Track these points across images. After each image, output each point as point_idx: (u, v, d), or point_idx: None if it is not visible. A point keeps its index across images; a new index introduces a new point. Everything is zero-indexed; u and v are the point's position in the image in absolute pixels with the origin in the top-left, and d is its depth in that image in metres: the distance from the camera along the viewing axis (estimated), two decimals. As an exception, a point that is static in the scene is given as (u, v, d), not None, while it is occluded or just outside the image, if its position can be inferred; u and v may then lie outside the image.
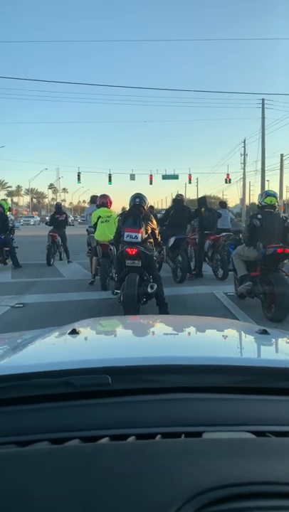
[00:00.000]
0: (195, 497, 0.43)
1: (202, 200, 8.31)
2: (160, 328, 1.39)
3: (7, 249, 8.91)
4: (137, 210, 4.97)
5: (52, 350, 1.06)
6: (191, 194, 57.49)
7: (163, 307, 4.76)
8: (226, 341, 1.20)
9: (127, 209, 5.25)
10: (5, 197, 72.62)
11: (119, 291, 4.92)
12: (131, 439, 0.58)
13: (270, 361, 0.89)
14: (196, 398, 0.69)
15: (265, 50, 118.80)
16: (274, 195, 5.34)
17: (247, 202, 39.84)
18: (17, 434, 0.60)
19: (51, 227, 10.17)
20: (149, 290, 4.66)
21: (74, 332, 1.06)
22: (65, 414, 0.66)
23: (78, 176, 34.65)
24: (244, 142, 37.92)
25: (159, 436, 0.58)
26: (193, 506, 0.42)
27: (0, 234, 8.68)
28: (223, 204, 10.48)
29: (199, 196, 11.47)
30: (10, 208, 10.60)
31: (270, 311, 4.76)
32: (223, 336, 1.25)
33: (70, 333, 1.06)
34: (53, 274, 8.32)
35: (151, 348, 1.03)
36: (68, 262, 10.09)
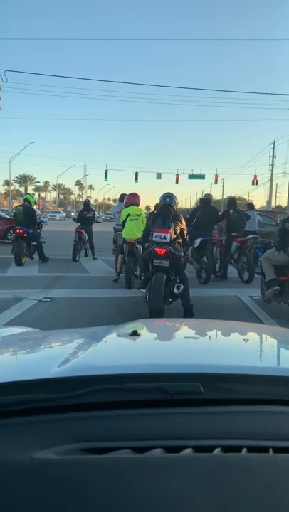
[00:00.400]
0: None
1: (231, 202, 8.22)
2: (232, 334, 1.32)
3: (34, 243, 9.03)
4: (167, 210, 4.97)
5: (125, 352, 1.02)
6: (216, 194, 56.74)
7: (188, 308, 4.75)
8: None
9: (155, 208, 5.26)
10: (33, 192, 74.08)
11: (144, 290, 4.95)
12: (217, 450, 0.56)
13: None
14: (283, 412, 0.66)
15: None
16: None
17: (273, 204, 39.04)
18: (98, 440, 0.58)
19: (78, 224, 10.31)
20: (175, 291, 4.65)
21: (136, 334, 1.03)
22: (153, 422, 0.63)
23: (105, 173, 34.94)
24: (273, 143, 37.20)
25: (245, 449, 0.56)
26: None
27: (28, 228, 8.82)
28: (251, 206, 10.36)
29: (225, 197, 11.42)
30: (35, 201, 10.78)
31: (298, 317, 4.66)
32: None
33: (131, 335, 1.03)
34: (79, 270, 8.43)
35: (234, 356, 0.98)
36: (93, 258, 10.20)
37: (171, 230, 4.83)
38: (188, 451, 0.55)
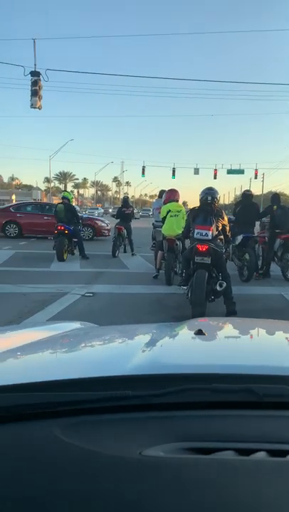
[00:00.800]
0: None
1: (275, 198, 7.96)
2: None
3: (75, 240, 9.21)
4: (208, 206, 4.89)
5: (200, 351, 1.00)
6: (256, 190, 55.18)
7: (231, 306, 4.67)
8: None
9: (197, 205, 5.16)
10: (72, 189, 75.71)
11: (185, 287, 4.92)
12: None
13: None
14: None
15: None
16: None
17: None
18: (200, 440, 0.58)
19: (118, 220, 10.42)
20: (218, 288, 4.59)
21: (201, 333, 1.02)
22: (249, 424, 0.62)
23: (143, 169, 35.02)
24: None
25: None
26: None
27: (69, 225, 8.99)
28: None
29: (266, 192, 11.16)
30: (73, 198, 10.93)
31: None
32: None
33: (196, 334, 1.02)
34: (118, 266, 8.53)
35: None
36: (132, 254, 10.28)
37: (213, 227, 4.75)
38: (261, 455, 0.54)
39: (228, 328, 1.40)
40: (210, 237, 4.69)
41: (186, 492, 0.46)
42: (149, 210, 32.12)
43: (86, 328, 1.38)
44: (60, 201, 9.72)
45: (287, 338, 1.24)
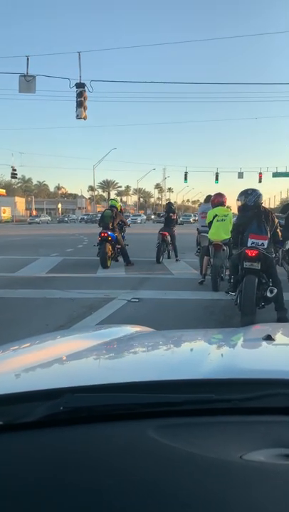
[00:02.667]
0: None
1: None
2: None
3: (119, 246, 9.19)
4: (259, 211, 4.70)
5: (278, 356, 0.98)
6: (303, 192, 53.10)
7: (282, 312, 4.48)
8: None
9: (245, 207, 4.97)
10: (115, 196, 77.21)
11: (233, 293, 4.78)
12: None
13: None
14: None
15: None
16: None
17: None
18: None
19: (161, 226, 10.44)
20: (268, 294, 4.42)
21: (270, 338, 0.99)
22: None
23: (185, 175, 35.01)
24: None
25: None
26: None
27: (113, 232, 8.96)
28: None
29: None
30: (121, 206, 11.03)
31: None
32: None
33: (265, 339, 1.00)
34: (163, 272, 8.52)
35: None
36: (176, 260, 10.24)
37: (268, 236, 4.58)
38: None
39: None
40: (266, 247, 4.52)
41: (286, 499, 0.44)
42: (190, 216, 31.93)
43: (147, 332, 1.38)
44: (108, 209, 9.89)
45: None
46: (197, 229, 8.41)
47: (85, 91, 13.54)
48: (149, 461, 0.52)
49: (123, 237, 9.69)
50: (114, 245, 9.04)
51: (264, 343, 1.00)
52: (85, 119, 13.86)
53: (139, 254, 10.72)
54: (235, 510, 0.44)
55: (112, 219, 9.13)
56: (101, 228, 9.16)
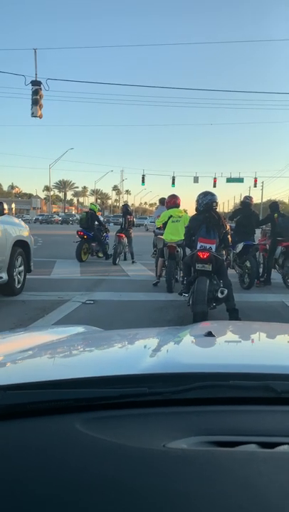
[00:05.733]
0: None
1: (274, 206, 8.00)
2: None
3: (93, 244, 10.41)
4: (210, 216, 4.83)
5: (215, 351, 1.03)
6: (255, 198, 55.34)
7: (233, 313, 4.64)
8: None
9: (198, 211, 5.10)
10: (72, 197, 75.81)
11: (186, 294, 4.89)
12: None
13: None
14: None
15: None
16: None
17: (316, 208, 37.61)
18: (226, 434, 0.60)
19: (118, 228, 10.46)
20: (219, 295, 4.56)
21: (211, 335, 1.04)
22: (269, 419, 0.64)
23: (143, 178, 35.24)
24: (317, 144, 35.82)
25: None
26: None
27: (89, 231, 10.14)
28: None
29: (265, 201, 11.50)
30: (99, 209, 12.48)
31: None
32: None
33: (206, 335, 1.05)
34: (119, 273, 8.52)
35: None
36: (133, 262, 10.29)
37: (217, 240, 4.73)
38: (285, 448, 0.56)
39: (234, 330, 1.43)
40: (214, 250, 4.66)
41: (210, 483, 0.47)
42: (145, 219, 32.31)
43: (94, 331, 1.39)
44: (86, 210, 11.43)
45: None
46: (154, 231, 8.50)
47: (40, 89, 13.24)
48: (74, 453, 0.53)
49: (106, 236, 11.00)
50: (90, 242, 10.32)
51: (204, 339, 1.05)
52: (40, 117, 13.55)
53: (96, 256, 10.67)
54: (155, 495, 0.45)
55: (89, 220, 10.35)
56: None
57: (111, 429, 0.58)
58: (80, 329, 1.38)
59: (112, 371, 0.76)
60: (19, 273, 5.90)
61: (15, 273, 5.74)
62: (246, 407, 0.67)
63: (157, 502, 0.44)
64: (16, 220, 6.15)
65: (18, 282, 5.90)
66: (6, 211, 5.45)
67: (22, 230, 6.00)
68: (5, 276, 5.40)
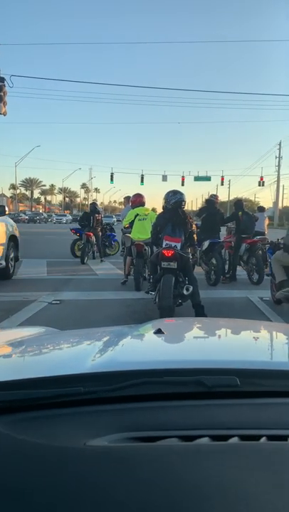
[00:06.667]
0: None
1: (239, 204, 8.20)
2: (257, 332, 1.36)
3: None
4: (176, 215, 4.90)
5: (156, 348, 1.06)
6: (222, 196, 56.64)
7: (199, 309, 4.73)
8: None
9: (165, 209, 5.15)
10: (39, 195, 74.12)
11: (153, 292, 4.94)
12: (263, 439, 0.59)
13: None
14: None
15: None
16: None
17: (280, 205, 38.90)
18: (177, 428, 0.62)
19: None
20: (184, 292, 4.64)
21: (160, 332, 1.07)
22: (196, 413, 0.66)
23: (111, 176, 35.06)
24: (279, 145, 37.10)
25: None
26: None
27: (82, 230, 10.27)
28: (261, 208, 10.81)
29: (231, 199, 11.95)
30: (99, 210, 12.47)
31: (309, 318, 4.63)
32: None
33: (156, 333, 1.07)
34: (87, 273, 8.46)
35: (265, 352, 1.04)
36: (101, 261, 10.24)
37: (182, 238, 4.81)
38: (234, 440, 0.58)
39: (186, 327, 1.47)
40: (179, 249, 4.73)
41: (129, 477, 0.49)
42: (111, 217, 32.33)
43: (48, 332, 1.38)
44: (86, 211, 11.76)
45: (239, 334, 1.32)
46: (122, 229, 8.50)
47: (4, 86, 12.87)
48: None
49: (110, 235, 11.53)
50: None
51: (153, 337, 1.07)
52: (4, 114, 13.16)
53: (64, 255, 10.52)
54: (72, 492, 0.47)
55: (83, 219, 10.70)
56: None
57: (36, 430, 0.59)
58: (34, 330, 1.37)
59: (52, 372, 0.77)
60: (11, 260, 7.49)
61: (10, 261, 7.34)
62: (179, 402, 0.69)
63: (74, 498, 0.45)
64: (11, 220, 7.76)
65: (11, 267, 7.50)
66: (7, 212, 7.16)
67: (14, 228, 7.68)
68: (4, 263, 6.98)
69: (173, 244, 4.73)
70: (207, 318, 1.62)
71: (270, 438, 0.59)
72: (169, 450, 0.55)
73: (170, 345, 1.10)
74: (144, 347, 1.09)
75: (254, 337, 1.27)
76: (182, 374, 0.73)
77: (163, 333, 1.07)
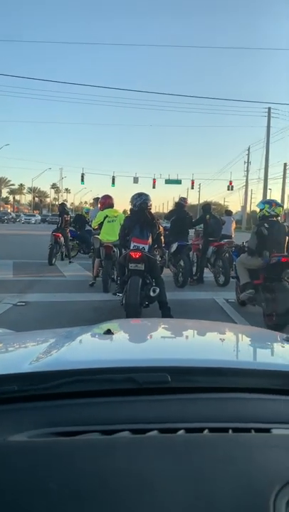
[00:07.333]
0: None
1: (207, 207, 8.37)
2: (198, 331, 1.42)
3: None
4: (144, 216, 4.93)
5: (98, 348, 1.11)
6: (193, 199, 57.62)
7: (166, 311, 4.77)
8: (264, 347, 1.25)
9: (132, 211, 5.18)
10: (7, 195, 72.19)
11: (120, 294, 4.94)
12: (206, 431, 0.62)
13: None
14: (259, 398, 0.74)
15: (273, 59, 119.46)
16: (281, 205, 5.51)
17: (248, 209, 39.99)
18: (100, 423, 0.64)
19: (54, 227, 10.23)
20: (151, 294, 4.67)
21: (109, 332, 1.10)
22: (137, 408, 0.70)
23: (82, 176, 34.75)
24: (248, 150, 38.14)
25: (230, 430, 0.64)
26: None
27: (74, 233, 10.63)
28: (228, 212, 11.15)
29: (201, 202, 12.18)
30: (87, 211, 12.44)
31: (271, 319, 4.78)
32: (260, 342, 1.31)
33: (105, 333, 1.10)
34: (55, 274, 8.33)
35: (199, 351, 1.10)
36: (70, 262, 10.12)
37: (150, 240, 4.84)
38: (154, 433, 0.62)
39: (137, 328, 1.52)
40: (147, 250, 4.76)
41: (45, 469, 0.51)
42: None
43: (3, 333, 1.37)
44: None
45: (180, 334, 1.39)
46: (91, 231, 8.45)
47: None
48: None
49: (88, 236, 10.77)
50: (76, 241, 11.11)
51: (101, 337, 1.11)
52: None
53: (31, 256, 10.33)
54: None
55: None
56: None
57: None
58: None
59: None
60: None
61: None
62: (106, 398, 0.73)
63: None
64: None
65: None
66: None
67: None
68: None
69: (141, 246, 4.76)
70: (160, 319, 1.71)
71: (189, 431, 0.62)
72: (87, 443, 0.57)
73: (113, 345, 1.14)
74: (88, 347, 1.13)
75: (193, 336, 1.34)
76: (115, 372, 0.77)
77: (112, 333, 1.10)
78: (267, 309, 4.91)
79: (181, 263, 7.42)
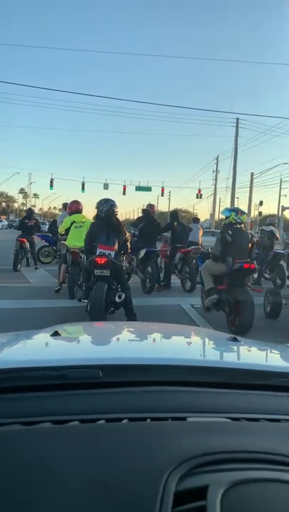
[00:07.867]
0: (186, 461, 0.53)
1: (174, 215, 8.49)
2: (139, 332, 1.50)
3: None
4: (110, 222, 4.92)
5: (42, 349, 1.19)
6: (163, 207, 58.25)
7: (131, 317, 4.76)
8: (204, 345, 1.36)
9: (98, 217, 5.16)
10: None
11: (86, 300, 4.88)
12: (125, 421, 0.68)
13: (243, 364, 1.05)
14: (177, 390, 0.81)
15: (242, 71, 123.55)
16: (245, 212, 5.75)
17: (216, 217, 40.83)
18: (23, 416, 0.69)
19: (19, 232, 10.01)
20: (117, 299, 4.65)
21: (56, 334, 1.15)
22: (63, 401, 0.75)
23: (51, 182, 34.26)
24: (217, 159, 39.03)
25: (149, 419, 0.69)
26: (185, 468, 0.52)
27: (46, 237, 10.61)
28: (196, 220, 11.33)
29: (171, 209, 12.33)
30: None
31: (235, 324, 4.88)
32: (201, 341, 1.42)
33: (52, 335, 1.14)
34: (20, 280, 8.14)
35: (134, 349, 1.19)
36: (35, 268, 9.93)
37: (116, 247, 4.84)
38: (74, 423, 0.66)
39: (84, 330, 1.58)
40: (113, 256, 4.75)
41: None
42: (44, 224, 31.68)
43: None
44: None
45: (120, 334, 1.46)
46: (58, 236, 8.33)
47: None
48: None
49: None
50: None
51: (48, 338, 1.16)
52: None
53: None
54: None
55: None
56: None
57: None
58: None
59: None
60: None
61: None
62: (36, 393, 0.77)
63: None
64: None
65: None
66: None
67: None
68: None
69: (107, 252, 4.74)
70: (110, 322, 1.83)
71: (109, 421, 0.68)
72: (10, 433, 0.62)
73: (56, 346, 1.18)
74: (33, 348, 1.18)
75: (134, 336, 1.42)
76: (51, 370, 0.81)
77: (59, 335, 1.14)
78: (230, 314, 5.01)
79: (149, 269, 7.45)
